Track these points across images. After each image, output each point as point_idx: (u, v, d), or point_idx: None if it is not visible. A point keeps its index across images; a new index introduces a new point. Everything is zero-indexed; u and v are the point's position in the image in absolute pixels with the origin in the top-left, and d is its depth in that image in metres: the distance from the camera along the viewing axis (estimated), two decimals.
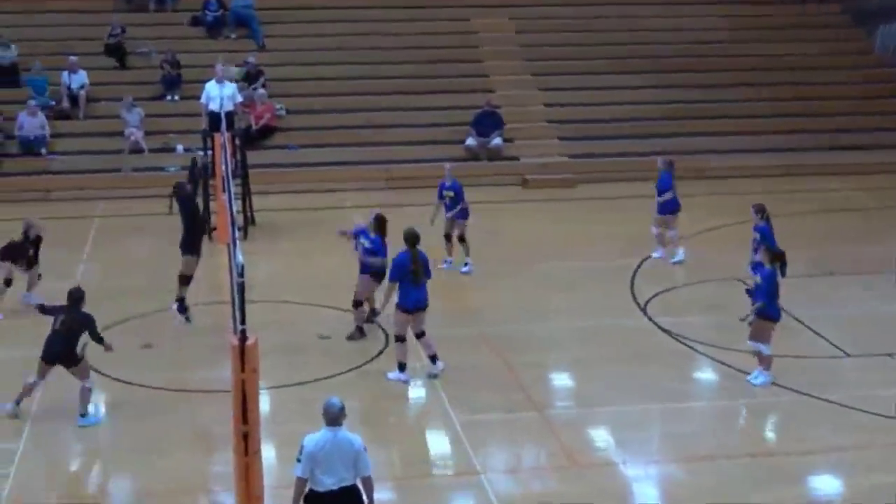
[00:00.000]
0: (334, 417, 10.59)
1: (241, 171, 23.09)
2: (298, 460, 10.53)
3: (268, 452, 12.52)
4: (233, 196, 15.97)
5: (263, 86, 28.30)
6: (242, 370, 10.39)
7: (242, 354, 10.38)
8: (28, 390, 14.69)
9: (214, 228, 22.26)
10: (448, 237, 20.75)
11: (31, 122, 26.87)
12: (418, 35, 31.18)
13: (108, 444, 14.33)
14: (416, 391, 15.84)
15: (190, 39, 30.56)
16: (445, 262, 20.56)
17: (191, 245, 17.97)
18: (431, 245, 18.28)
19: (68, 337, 14.56)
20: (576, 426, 14.66)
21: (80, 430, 14.47)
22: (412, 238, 15.77)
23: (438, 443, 14.42)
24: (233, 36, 30.72)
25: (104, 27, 29.83)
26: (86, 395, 14.59)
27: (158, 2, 31.34)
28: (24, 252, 18.82)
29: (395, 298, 15.79)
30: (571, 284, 20.05)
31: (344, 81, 29.63)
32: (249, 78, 28.22)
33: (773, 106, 30.33)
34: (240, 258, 10.63)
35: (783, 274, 16.15)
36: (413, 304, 15.68)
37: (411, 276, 15.58)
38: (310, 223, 23.67)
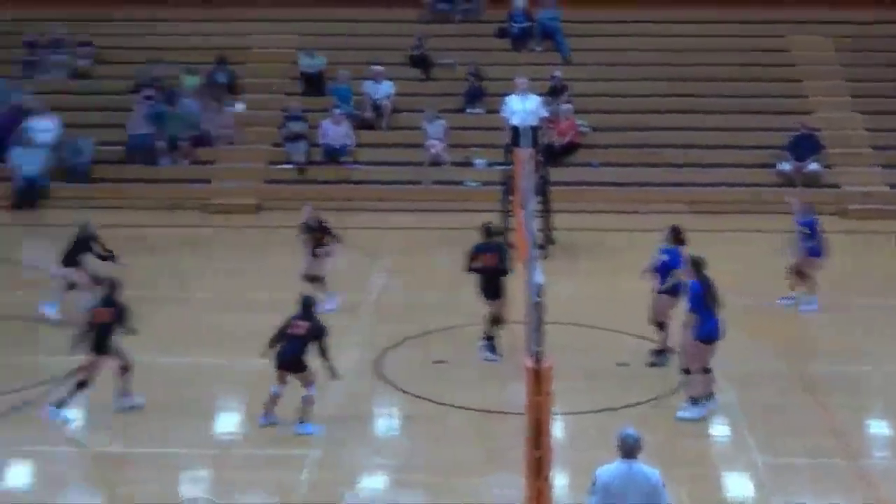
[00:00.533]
0: (630, 449, 10.20)
1: (543, 189, 22.58)
2: (591, 492, 10.18)
3: (559, 479, 12.08)
4: (533, 214, 15.58)
5: (568, 101, 27.74)
6: (537, 393, 10.22)
7: (537, 377, 10.20)
8: (274, 400, 14.54)
9: (512, 246, 21.86)
10: (798, 273, 19.51)
11: (336, 131, 27.18)
12: (729, 52, 30.09)
13: (399, 458, 14.14)
14: (718, 428, 15.08)
15: (494, 51, 30.35)
16: (787, 298, 19.46)
17: (492, 291, 17.25)
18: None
19: (302, 344, 14.40)
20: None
21: (375, 442, 14.33)
22: (698, 265, 14.98)
23: (737, 485, 13.67)
24: (538, 49, 30.32)
25: (410, 38, 29.98)
26: (308, 403, 14.36)
27: (464, 13, 31.23)
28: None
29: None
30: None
31: (649, 99, 28.87)
32: (554, 92, 27.72)
33: None
34: (538, 278, 10.29)
35: None
36: (710, 334, 14.80)
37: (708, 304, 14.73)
38: (611, 244, 23.05)
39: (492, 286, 17.00)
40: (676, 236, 16.72)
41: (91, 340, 14.78)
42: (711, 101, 28.82)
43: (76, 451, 14.50)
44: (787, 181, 26.69)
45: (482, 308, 17.50)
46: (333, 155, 27.16)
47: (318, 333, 14.42)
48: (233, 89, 29.08)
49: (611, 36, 30.80)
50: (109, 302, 15.16)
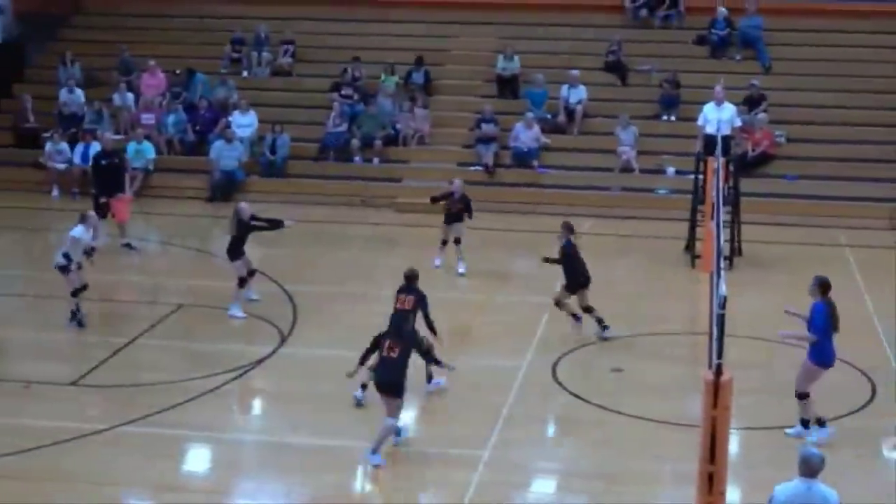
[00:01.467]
0: (812, 469, 9.88)
1: (733, 199, 22.22)
2: None
3: (732, 495, 11.91)
4: (721, 224, 15.33)
5: (765, 111, 27.21)
6: (715, 407, 10.10)
7: (716, 390, 10.08)
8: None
9: (699, 256, 21.61)
10: None
11: (527, 135, 27.23)
12: None
13: (569, 464, 14.01)
14: None
15: (692, 59, 29.95)
16: None
17: None
18: None
19: (399, 364, 13.80)
20: None
21: (545, 445, 14.18)
22: (825, 286, 14.29)
23: None
24: (737, 57, 29.80)
25: (606, 43, 29.78)
26: (386, 432, 13.67)
27: (664, 18, 30.90)
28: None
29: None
30: None
31: (850, 111, 28.06)
32: (751, 101, 27.23)
33: None
34: (723, 289, 10.12)
35: None
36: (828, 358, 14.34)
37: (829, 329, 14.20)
38: (800, 258, 22.44)
39: None
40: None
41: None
42: None
43: (258, 439, 14.83)
44: None
45: (666, 317, 17.34)
46: (522, 158, 27.21)
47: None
48: (429, 90, 29.39)
49: (812, 46, 30.04)
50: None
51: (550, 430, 15.43)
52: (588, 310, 17.94)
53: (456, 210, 21.36)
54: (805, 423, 14.67)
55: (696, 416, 10.92)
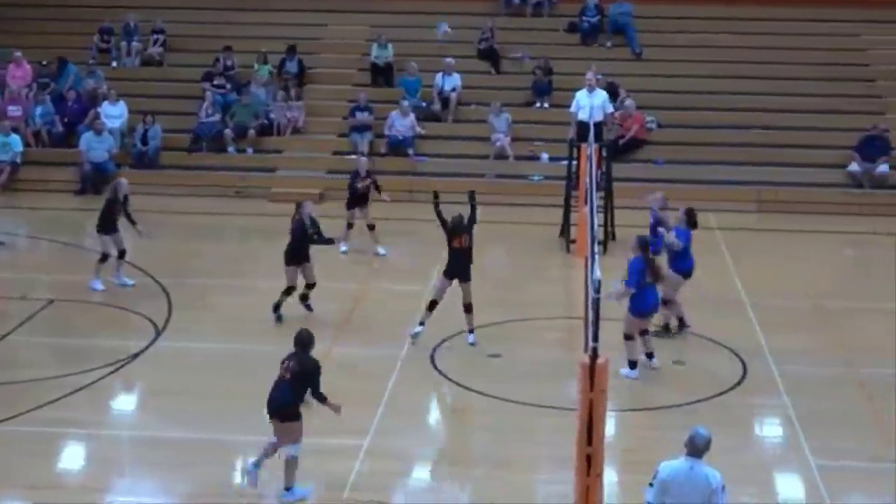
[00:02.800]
0: (697, 449, 10.04)
1: (606, 184, 22.49)
2: (651, 484, 10.07)
3: (609, 476, 12.17)
4: (595, 209, 15.53)
5: (625, 98, 27.48)
6: (591, 389, 10.26)
7: (592, 374, 10.23)
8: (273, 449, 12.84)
9: (574, 241, 21.84)
10: None
11: (402, 123, 27.25)
12: (803, 51, 29.67)
13: (450, 451, 14.07)
14: (772, 429, 15.10)
15: (564, 46, 30.22)
16: None
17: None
18: None
19: (291, 385, 12.41)
20: None
21: (425, 433, 14.21)
22: (644, 245, 16.00)
23: (792, 487, 13.52)
24: (608, 44, 30.15)
25: (479, 30, 29.92)
26: (292, 465, 12.51)
27: (535, 6, 31.12)
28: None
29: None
30: None
31: (719, 96, 28.57)
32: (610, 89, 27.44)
33: None
34: (597, 273, 10.21)
35: None
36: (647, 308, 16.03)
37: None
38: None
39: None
40: (690, 219, 17.35)
41: None
42: (781, 99, 28.44)
43: (135, 434, 14.64)
44: (856, 182, 26.34)
45: (542, 302, 17.49)
46: (398, 146, 27.23)
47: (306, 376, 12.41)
48: (303, 79, 29.23)
49: (681, 32, 30.51)
50: None
51: (430, 417, 15.49)
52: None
53: (363, 189, 21.26)
54: (633, 365, 15.92)
55: (574, 400, 11.05)
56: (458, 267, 17.05)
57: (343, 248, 21.40)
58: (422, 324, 17.16)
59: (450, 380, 16.00)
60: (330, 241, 18.51)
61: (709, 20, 30.58)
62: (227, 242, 23.08)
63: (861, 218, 24.82)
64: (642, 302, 15.87)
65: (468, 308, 17.15)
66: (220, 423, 14.47)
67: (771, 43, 29.83)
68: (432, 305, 17.21)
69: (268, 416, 12.51)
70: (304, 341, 12.49)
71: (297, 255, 17.93)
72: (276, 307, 17.94)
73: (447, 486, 13.50)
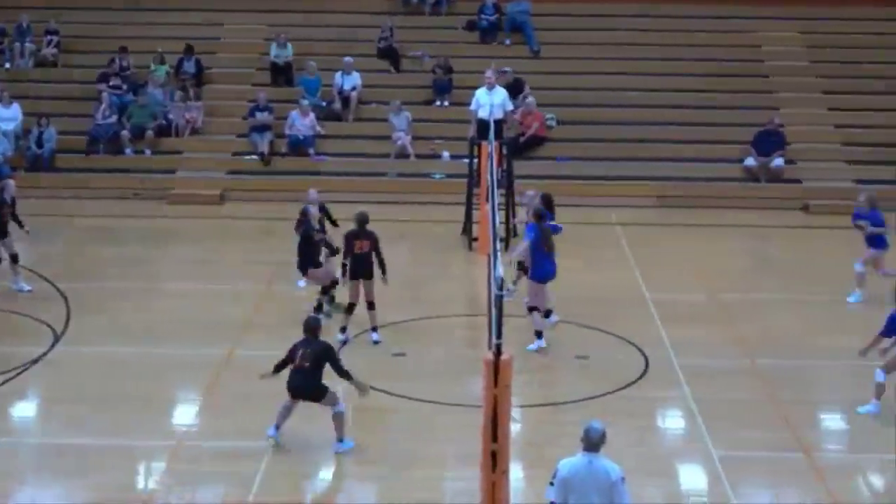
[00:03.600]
0: (593, 443, 10.08)
1: (507, 182, 22.59)
2: (551, 483, 10.10)
3: (515, 473, 12.20)
4: (497, 207, 15.59)
5: (527, 95, 27.62)
6: (495, 386, 10.27)
7: (496, 370, 10.24)
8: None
9: (476, 239, 21.91)
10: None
11: (302, 122, 27.12)
12: (700, 47, 30.02)
13: (357, 450, 14.00)
14: (674, 421, 15.33)
15: (463, 44, 30.29)
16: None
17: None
18: None
19: (313, 371, 13.77)
20: (845, 472, 13.71)
21: (331, 433, 14.18)
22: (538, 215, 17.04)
23: (695, 477, 13.77)
24: (507, 42, 30.28)
25: (378, 29, 29.87)
26: (339, 420, 13.87)
27: (434, 5, 31.16)
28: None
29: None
30: (853, 318, 18.64)
31: (618, 93, 28.83)
32: (511, 87, 27.56)
33: None
34: (500, 271, 10.25)
35: None
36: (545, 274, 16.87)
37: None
38: (574, 238, 22.92)
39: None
40: (537, 216, 17.33)
41: None
42: (680, 95, 28.79)
43: (36, 442, 14.40)
44: (752, 176, 26.77)
45: (446, 300, 17.54)
46: (298, 146, 27.10)
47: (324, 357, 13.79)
48: (201, 79, 28.96)
49: (579, 30, 30.73)
50: None
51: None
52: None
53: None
54: (539, 335, 16.68)
55: (479, 397, 11.09)
56: (361, 268, 17.04)
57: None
58: (343, 329, 17.18)
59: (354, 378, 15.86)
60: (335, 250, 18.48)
61: (606, 17, 30.83)
62: (126, 246, 22.75)
63: (758, 211, 25.21)
64: (540, 269, 16.80)
65: (371, 305, 17.15)
66: (122, 429, 14.28)
67: (668, 40, 30.16)
68: (350, 308, 17.22)
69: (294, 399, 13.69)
70: (311, 328, 13.89)
71: (305, 261, 18.27)
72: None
73: (354, 486, 13.49)
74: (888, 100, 28.56)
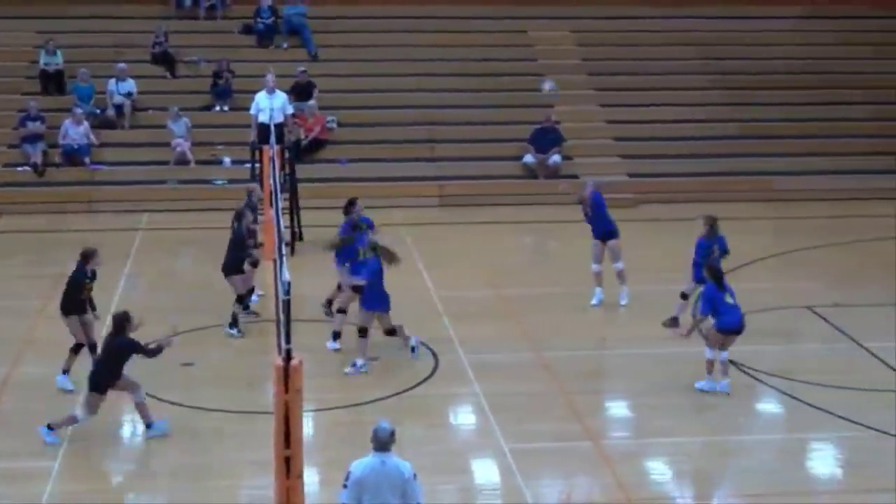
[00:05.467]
0: (383, 443, 10.16)
1: (290, 186, 22.50)
2: (345, 486, 10.14)
3: (311, 477, 12.20)
4: (280, 211, 15.49)
5: (314, 97, 27.63)
6: (286, 391, 10.20)
7: (286, 375, 10.18)
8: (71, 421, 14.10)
9: (261, 244, 21.71)
10: None
11: (76, 131, 26.42)
12: (474, 47, 30.42)
13: (146, 466, 13.86)
14: (466, 417, 15.51)
15: (240, 48, 30.01)
16: None
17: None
18: None
19: (116, 363, 14.18)
20: (632, 458, 14.11)
21: (117, 451, 13.91)
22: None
23: (488, 472, 13.94)
24: (284, 45, 30.13)
25: (152, 34, 29.32)
26: (142, 407, 14.23)
27: (208, 9, 30.78)
28: None
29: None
30: (628, 309, 19.22)
31: (397, 94, 29.01)
32: (300, 89, 27.56)
33: (847, 126, 29.24)
34: (286, 275, 10.20)
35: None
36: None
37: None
38: None
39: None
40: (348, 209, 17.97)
41: None
42: (458, 95, 29.13)
43: None
44: (531, 173, 27.31)
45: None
46: (73, 155, 26.40)
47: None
48: None
49: (356, 32, 30.80)
50: None
51: (123, 431, 14.99)
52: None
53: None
54: (336, 336, 16.91)
55: (270, 403, 11.01)
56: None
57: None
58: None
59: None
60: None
61: (383, 19, 30.93)
62: None
63: (537, 207, 25.68)
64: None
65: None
66: None
67: (444, 41, 30.47)
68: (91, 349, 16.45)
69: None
70: (116, 323, 14.25)
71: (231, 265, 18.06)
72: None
73: (150, 499, 13.29)
74: (656, 95, 29.51)
